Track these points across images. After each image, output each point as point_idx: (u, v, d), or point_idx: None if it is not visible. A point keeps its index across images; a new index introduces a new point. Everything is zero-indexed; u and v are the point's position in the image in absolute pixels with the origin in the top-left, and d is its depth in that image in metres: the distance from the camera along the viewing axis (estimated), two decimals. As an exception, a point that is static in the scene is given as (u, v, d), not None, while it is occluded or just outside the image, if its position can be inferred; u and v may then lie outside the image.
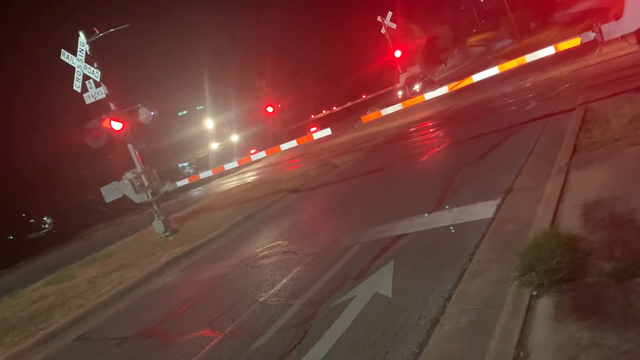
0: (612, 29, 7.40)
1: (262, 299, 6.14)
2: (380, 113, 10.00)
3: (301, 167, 16.64)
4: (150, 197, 12.77)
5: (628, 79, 10.04)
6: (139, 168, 12.73)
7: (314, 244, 7.64)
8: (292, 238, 8.55)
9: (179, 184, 12.52)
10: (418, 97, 9.35)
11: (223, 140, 31.72)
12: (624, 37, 7.52)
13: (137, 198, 12.89)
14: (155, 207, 12.91)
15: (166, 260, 9.87)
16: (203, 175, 13.12)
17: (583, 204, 4.97)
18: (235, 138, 31.54)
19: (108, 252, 13.48)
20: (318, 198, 11.37)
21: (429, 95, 9.22)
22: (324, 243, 7.46)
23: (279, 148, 10.68)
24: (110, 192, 13.26)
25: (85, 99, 12.30)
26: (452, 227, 6.10)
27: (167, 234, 12.55)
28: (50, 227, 46.73)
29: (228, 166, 12.75)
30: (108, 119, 11.99)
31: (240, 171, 24.80)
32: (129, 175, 12.77)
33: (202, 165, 29.53)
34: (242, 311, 5.96)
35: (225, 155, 28.81)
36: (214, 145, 30.89)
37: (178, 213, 15.71)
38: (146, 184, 12.71)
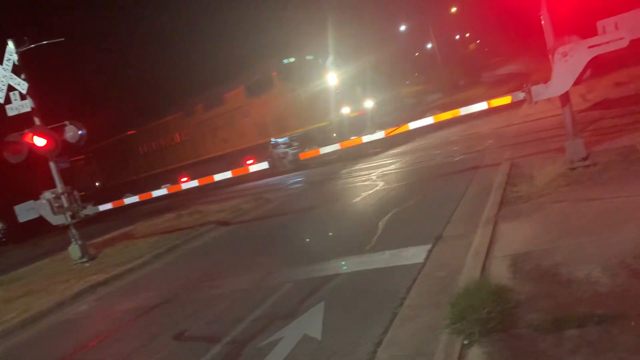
0: (540, 91, 7.88)
1: (183, 336, 5.81)
2: (318, 151, 10.02)
3: (233, 200, 16.32)
4: (69, 219, 12.01)
5: (551, 139, 10.72)
6: (59, 188, 11.98)
7: (242, 280, 7.40)
8: (219, 272, 8.25)
9: (101, 207, 11.88)
10: (356, 139, 9.47)
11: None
12: (550, 100, 8.02)
13: (55, 220, 12.08)
14: (73, 230, 12.14)
15: (80, 288, 9.20)
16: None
17: (511, 255, 5.13)
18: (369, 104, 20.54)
19: (16, 276, 12.44)
20: (249, 232, 11.14)
21: (366, 139, 9.37)
22: (253, 280, 7.23)
23: (213, 178, 10.41)
24: (24, 212, 12.34)
25: (7, 110, 11.54)
26: (383, 270, 6.11)
27: (84, 260, 11.78)
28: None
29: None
30: (31, 134, 11.28)
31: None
32: (47, 195, 11.97)
33: (307, 142, 19.65)
34: (159, 348, 5.60)
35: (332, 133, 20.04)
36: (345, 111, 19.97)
37: (97, 238, 14.85)
38: (65, 205, 11.96)
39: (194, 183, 10.76)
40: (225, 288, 7.25)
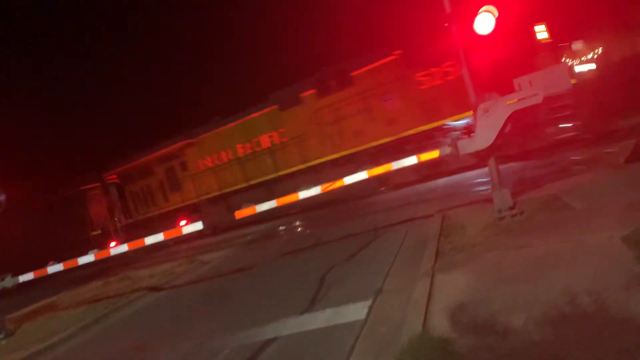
0: (466, 145, 8.23)
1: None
2: (254, 209, 9.85)
3: (166, 263, 15.65)
4: (-18, 294, 11.04)
5: (477, 191, 11.16)
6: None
7: (176, 350, 6.94)
8: (151, 343, 7.73)
9: (22, 278, 11.01)
10: (292, 195, 9.42)
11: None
12: (476, 153, 8.38)
13: (-34, 295, 11.08)
14: (-12, 305, 11.15)
15: (-6, 371, 8.35)
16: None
17: (450, 306, 5.14)
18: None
19: None
20: (182, 298, 10.62)
21: (302, 195, 9.34)
22: (187, 349, 6.81)
23: (144, 242, 9.94)
24: None
25: None
26: (324, 330, 5.93)
27: (1, 337, 10.76)
28: None
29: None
30: None
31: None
32: (-42, 267, 11.01)
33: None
34: None
35: None
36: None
37: (16, 312, 13.68)
38: (-21, 278, 11.01)
39: (124, 247, 10.23)
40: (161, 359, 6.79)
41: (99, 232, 25.53)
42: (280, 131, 20.18)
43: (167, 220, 21.98)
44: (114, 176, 26.06)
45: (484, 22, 8.06)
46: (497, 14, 7.98)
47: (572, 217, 7.12)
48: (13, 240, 31.71)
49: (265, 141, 20.66)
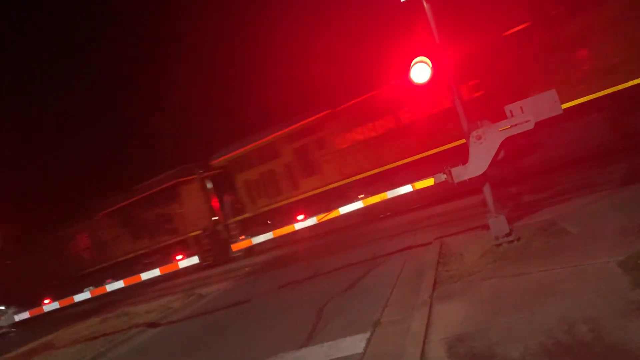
0: (460, 173, 8.26)
1: None
2: (251, 241, 9.83)
3: (164, 298, 15.50)
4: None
5: (475, 217, 11.13)
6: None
7: (172, 388, 6.83)
8: (147, 381, 7.61)
9: (17, 317, 10.90)
10: (288, 227, 9.41)
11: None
12: (470, 180, 8.39)
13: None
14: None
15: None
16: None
17: (448, 338, 5.08)
18: None
19: None
20: (180, 333, 10.49)
21: (299, 226, 9.34)
22: (184, 386, 6.70)
23: (140, 277, 9.89)
24: None
25: None
26: (322, 365, 5.85)
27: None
28: None
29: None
30: None
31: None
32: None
33: None
34: None
35: None
36: None
37: (12, 352, 13.47)
38: (-25, 318, 10.91)
39: (120, 284, 10.16)
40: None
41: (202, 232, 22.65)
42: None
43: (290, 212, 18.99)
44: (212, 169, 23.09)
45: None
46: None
47: (569, 242, 7.09)
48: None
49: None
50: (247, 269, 17.63)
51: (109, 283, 10.48)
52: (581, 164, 13.69)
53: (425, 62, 8.45)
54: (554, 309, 4.79)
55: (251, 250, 20.24)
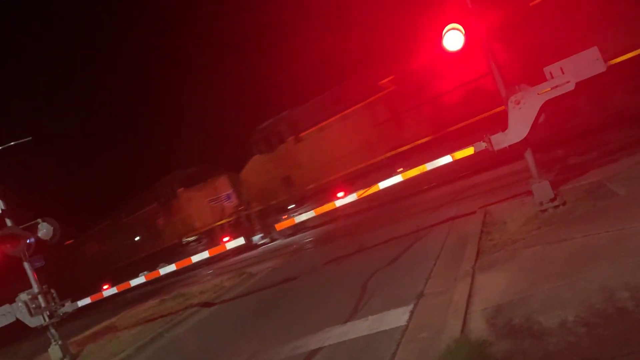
0: (500, 140, 8.09)
1: None
2: (294, 220, 10.01)
3: (217, 278, 16.05)
4: (47, 319, 11.62)
5: (520, 183, 10.90)
6: (35, 288, 11.66)
7: (227, 365, 7.14)
8: (204, 359, 7.97)
9: (80, 303, 11.56)
10: (329, 205, 9.51)
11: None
12: (511, 146, 8.19)
13: (33, 322, 11.65)
14: (53, 330, 11.72)
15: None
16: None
17: (489, 308, 5.09)
18: None
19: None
20: (233, 312, 10.88)
21: (339, 203, 9.42)
22: (237, 363, 7.00)
23: (190, 260, 10.27)
24: (0, 317, 11.94)
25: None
26: (367, 338, 5.97)
27: (65, 360, 11.32)
28: None
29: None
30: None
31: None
32: (23, 296, 11.62)
33: None
34: None
35: None
36: None
37: (78, 336, 14.34)
38: (43, 305, 11.61)
39: (172, 267, 10.59)
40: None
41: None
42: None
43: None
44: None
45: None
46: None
47: (615, 204, 6.88)
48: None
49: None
50: (294, 246, 17.96)
51: (162, 267, 10.94)
52: (628, 122, 13.09)
53: (458, 29, 8.26)
54: (595, 276, 4.70)
55: (298, 227, 20.58)
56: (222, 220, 23.08)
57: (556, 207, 7.88)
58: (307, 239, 18.65)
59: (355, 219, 18.47)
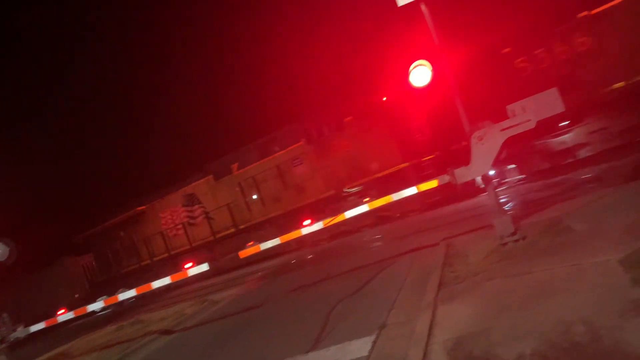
0: (463, 174, 8.30)
1: None
2: (259, 247, 9.95)
3: (178, 304, 15.68)
4: (-4, 345, 11.12)
5: (482, 217, 11.15)
6: (-16, 312, 11.20)
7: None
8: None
9: (33, 328, 11.12)
10: (295, 232, 9.51)
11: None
12: (473, 181, 8.42)
13: (-20, 347, 11.16)
14: (3, 357, 11.22)
15: None
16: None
17: (451, 339, 5.14)
18: None
19: None
20: (192, 340, 10.62)
21: (305, 230, 9.43)
22: (195, 392, 6.81)
23: (150, 286, 10.04)
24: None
25: None
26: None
27: (13, 389, 10.83)
28: None
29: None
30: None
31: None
32: (-29, 320, 11.14)
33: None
34: None
35: None
36: None
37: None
38: (-8, 330, 11.12)
39: (132, 292, 10.33)
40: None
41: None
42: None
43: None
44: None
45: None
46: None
47: (572, 240, 7.10)
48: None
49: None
50: (259, 273, 17.77)
51: (121, 292, 10.66)
52: (589, 160, 13.62)
53: (425, 66, 8.52)
54: (554, 309, 4.82)
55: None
56: None
57: (516, 241, 8.08)
58: (272, 266, 18.50)
59: (320, 247, 18.46)
